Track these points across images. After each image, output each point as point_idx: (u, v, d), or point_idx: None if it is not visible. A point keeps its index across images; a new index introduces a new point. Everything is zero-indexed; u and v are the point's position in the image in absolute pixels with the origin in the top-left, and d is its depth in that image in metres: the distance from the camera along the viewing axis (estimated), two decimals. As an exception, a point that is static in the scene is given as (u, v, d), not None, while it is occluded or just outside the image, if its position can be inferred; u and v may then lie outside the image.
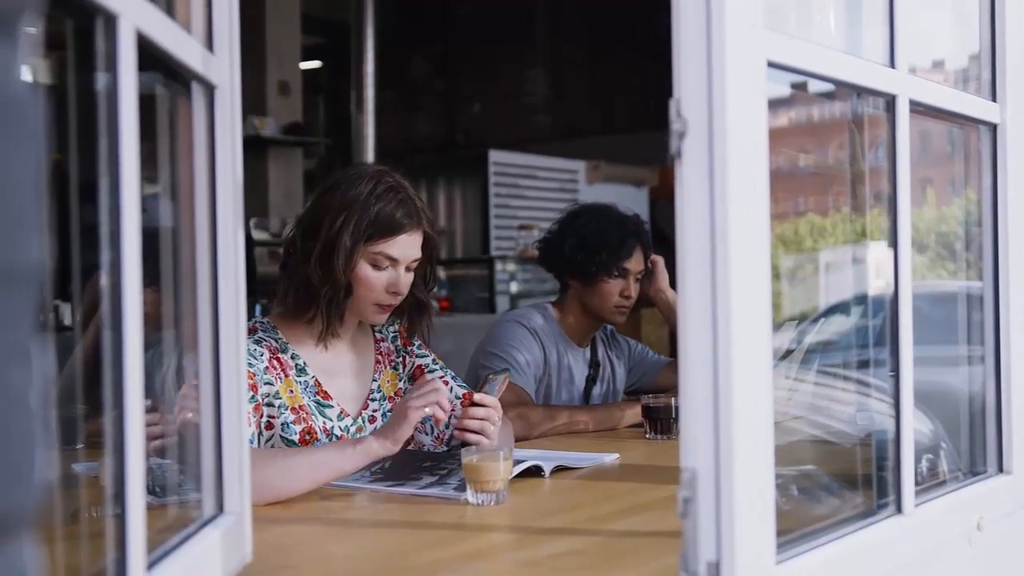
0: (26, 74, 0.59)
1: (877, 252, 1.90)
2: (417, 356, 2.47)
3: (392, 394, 2.40)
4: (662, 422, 2.67)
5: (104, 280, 1.02)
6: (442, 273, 7.70)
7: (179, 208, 1.40)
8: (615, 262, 3.01)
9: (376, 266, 2.22)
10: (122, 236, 1.01)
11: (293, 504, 1.93)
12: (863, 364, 1.95)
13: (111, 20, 1.00)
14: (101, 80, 1.02)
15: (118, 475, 1.01)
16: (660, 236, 3.22)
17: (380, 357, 2.41)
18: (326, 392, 2.27)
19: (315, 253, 2.20)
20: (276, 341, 2.25)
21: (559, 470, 2.20)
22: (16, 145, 0.56)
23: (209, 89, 1.36)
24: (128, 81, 1.02)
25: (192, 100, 1.35)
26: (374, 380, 2.38)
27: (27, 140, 0.57)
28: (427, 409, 1.99)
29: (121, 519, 1.01)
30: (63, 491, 1.22)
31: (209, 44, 1.36)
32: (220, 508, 1.38)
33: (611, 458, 2.37)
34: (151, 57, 1.12)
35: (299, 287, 2.23)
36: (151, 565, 1.09)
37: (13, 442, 0.55)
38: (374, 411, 2.35)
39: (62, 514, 1.16)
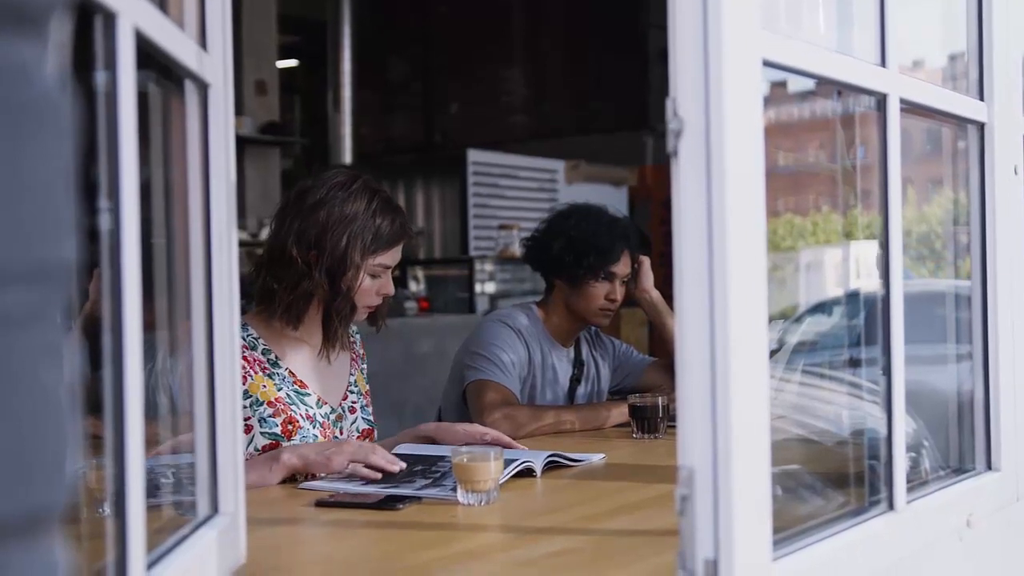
0: (56, 71, 0.59)
1: (859, 251, 1.91)
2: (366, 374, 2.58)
3: (364, 391, 2.51)
4: (649, 421, 2.67)
5: (103, 280, 1.01)
6: (421, 273, 7.68)
7: (171, 208, 1.39)
8: (603, 265, 3.01)
9: (374, 276, 2.33)
10: (122, 236, 1.00)
11: (287, 506, 1.93)
12: (849, 363, 1.96)
13: (110, 18, 0.99)
14: (99, 78, 1.01)
15: (118, 476, 1.00)
16: (639, 236, 3.24)
17: (354, 355, 2.51)
18: (302, 381, 2.34)
19: (321, 270, 2.26)
20: (245, 338, 2.28)
21: (551, 468, 2.21)
22: (48, 143, 0.56)
23: (203, 87, 1.35)
24: (127, 79, 1.01)
25: (185, 98, 1.34)
26: (351, 374, 2.47)
27: (59, 138, 0.57)
28: (349, 468, 2.07)
29: (121, 520, 1.00)
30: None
31: (203, 42, 1.35)
32: (215, 509, 1.37)
33: (598, 458, 2.38)
34: (145, 55, 1.12)
35: (302, 299, 2.29)
36: (150, 565, 1.08)
37: (46, 441, 0.55)
38: (353, 402, 2.45)
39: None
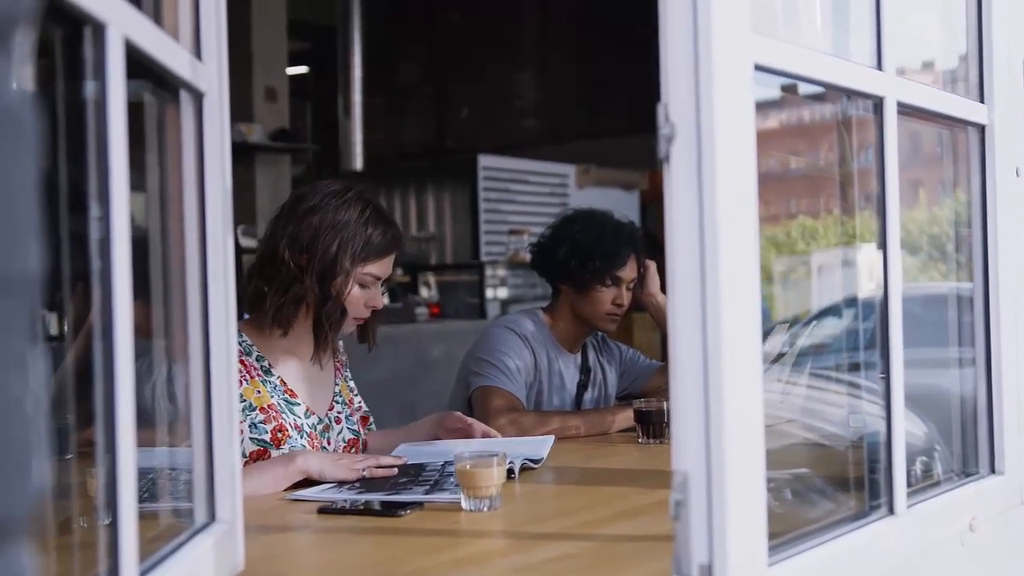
0: (21, 83, 0.59)
1: (868, 254, 1.90)
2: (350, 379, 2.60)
3: (347, 400, 2.53)
4: (654, 426, 2.66)
5: (94, 289, 1.01)
6: (432, 279, 7.68)
7: (167, 217, 1.39)
8: (609, 271, 3.00)
9: (362, 285, 2.35)
10: (112, 245, 1.01)
11: (287, 513, 1.93)
12: (855, 367, 1.95)
13: (99, 29, 1.00)
14: (89, 88, 1.02)
15: (110, 484, 1.00)
16: (651, 240, 3.22)
17: (338, 365, 2.53)
18: (292, 391, 2.36)
19: (312, 274, 2.29)
20: (240, 344, 2.30)
21: (524, 470, 2.23)
22: (13, 154, 0.56)
23: (198, 97, 1.35)
24: (117, 89, 1.02)
25: (180, 108, 1.34)
26: (336, 384, 2.50)
27: (24, 149, 0.58)
28: (365, 472, 2.15)
29: (113, 528, 1.01)
30: (53, 501, 1.22)
31: (197, 52, 1.36)
32: (212, 516, 1.37)
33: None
34: (138, 65, 1.12)
35: (292, 303, 2.31)
36: (143, 573, 1.09)
37: (11, 449, 0.56)
38: (338, 413, 2.47)
39: (53, 524, 1.15)
